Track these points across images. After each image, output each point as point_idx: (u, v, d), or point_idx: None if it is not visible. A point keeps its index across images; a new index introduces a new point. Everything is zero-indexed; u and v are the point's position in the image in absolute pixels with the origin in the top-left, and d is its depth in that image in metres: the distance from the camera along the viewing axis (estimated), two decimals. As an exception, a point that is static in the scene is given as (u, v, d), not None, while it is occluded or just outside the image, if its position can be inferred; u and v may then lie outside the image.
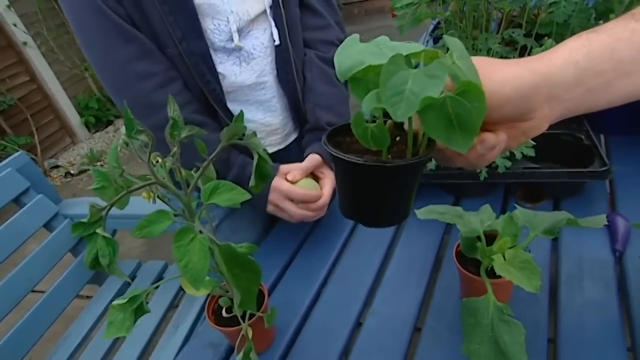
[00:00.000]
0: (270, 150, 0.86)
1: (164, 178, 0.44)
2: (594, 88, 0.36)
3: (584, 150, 0.74)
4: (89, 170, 3.22)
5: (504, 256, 0.46)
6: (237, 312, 0.51)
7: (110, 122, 3.79)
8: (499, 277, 0.48)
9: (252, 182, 0.49)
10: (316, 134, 0.82)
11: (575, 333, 0.54)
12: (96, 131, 3.72)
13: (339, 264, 0.74)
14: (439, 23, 1.17)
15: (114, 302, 0.47)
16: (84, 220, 0.39)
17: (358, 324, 0.63)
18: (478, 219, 0.49)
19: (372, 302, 0.66)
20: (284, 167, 0.75)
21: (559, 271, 0.63)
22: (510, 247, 0.47)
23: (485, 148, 0.36)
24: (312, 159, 0.77)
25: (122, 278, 0.40)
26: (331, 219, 0.84)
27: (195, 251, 0.38)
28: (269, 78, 0.78)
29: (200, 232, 0.40)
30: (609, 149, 0.84)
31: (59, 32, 3.34)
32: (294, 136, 0.89)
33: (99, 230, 0.39)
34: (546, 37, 0.80)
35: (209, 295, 0.58)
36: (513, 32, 0.88)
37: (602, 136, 0.87)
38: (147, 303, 0.48)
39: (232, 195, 0.42)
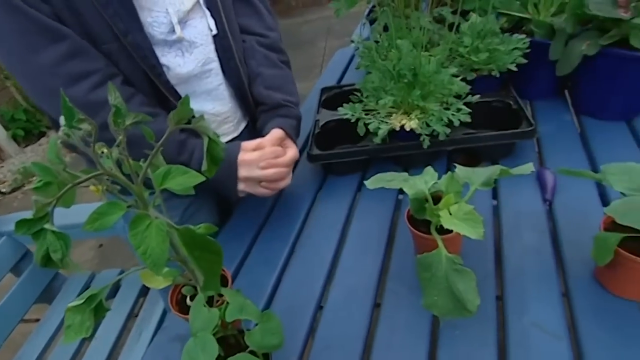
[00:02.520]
0: (224, 139, 0.86)
1: (111, 169, 0.43)
2: None
3: (513, 114, 0.80)
4: (23, 186, 2.99)
5: (449, 212, 0.50)
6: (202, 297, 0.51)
7: (42, 134, 3.52)
8: (448, 232, 0.52)
9: (204, 166, 0.49)
10: (273, 112, 0.83)
11: (518, 280, 0.59)
12: (27, 145, 3.44)
13: (299, 243, 0.76)
14: (374, 6, 1.21)
15: (69, 305, 0.45)
16: (28, 217, 0.37)
17: (321, 302, 0.65)
18: (423, 180, 0.52)
19: (334, 276, 0.68)
20: (246, 143, 0.76)
21: (500, 224, 0.68)
22: (455, 203, 0.51)
23: None
24: (275, 132, 0.78)
25: (77, 270, 0.39)
26: (287, 200, 0.86)
27: (152, 236, 0.38)
28: (214, 65, 0.78)
29: (156, 217, 0.40)
30: (534, 112, 0.92)
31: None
32: (244, 124, 0.89)
33: (47, 226, 0.37)
34: (471, 12, 0.86)
35: (171, 287, 0.57)
36: (442, 10, 0.93)
37: (527, 101, 0.95)
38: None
39: (185, 179, 0.42)
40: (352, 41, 0.97)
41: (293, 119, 0.83)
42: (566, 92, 0.94)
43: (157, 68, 0.69)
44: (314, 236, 0.76)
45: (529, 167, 0.50)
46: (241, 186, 0.75)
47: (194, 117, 0.50)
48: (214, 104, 0.80)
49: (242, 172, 0.74)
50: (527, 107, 0.94)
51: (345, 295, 0.64)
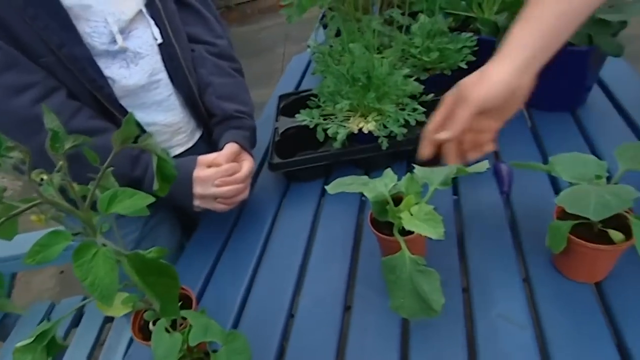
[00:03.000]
0: (179, 150, 0.84)
1: (53, 197, 0.40)
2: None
3: (467, 110, 0.82)
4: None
5: (410, 213, 0.50)
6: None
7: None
8: (411, 233, 0.53)
9: (155, 185, 0.47)
10: (226, 124, 0.81)
11: (481, 273, 0.60)
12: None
13: (266, 253, 0.74)
14: (327, 11, 1.21)
15: (16, 345, 0.42)
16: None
17: (291, 311, 0.64)
18: (382, 183, 0.52)
19: (304, 283, 0.67)
20: (202, 158, 0.74)
21: (462, 218, 0.70)
22: (415, 204, 0.51)
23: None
24: (230, 147, 0.76)
25: (17, 312, 0.36)
26: (252, 211, 0.84)
27: (100, 266, 0.36)
28: (162, 76, 0.75)
29: (104, 245, 0.38)
30: (487, 107, 0.95)
31: None
32: (198, 134, 0.87)
33: (-20, 265, 0.34)
34: (419, 14, 0.88)
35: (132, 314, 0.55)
36: (392, 12, 0.95)
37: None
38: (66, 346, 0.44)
39: (133, 202, 0.40)
40: (309, 46, 0.97)
41: (246, 130, 0.81)
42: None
43: (98, 81, 0.66)
44: (281, 245, 0.75)
45: (484, 165, 0.51)
46: (197, 202, 0.73)
47: (144, 131, 0.48)
48: (165, 115, 0.78)
49: (197, 189, 0.72)
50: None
51: (315, 302, 0.63)
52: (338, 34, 0.96)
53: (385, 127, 0.73)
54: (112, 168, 0.43)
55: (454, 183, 0.77)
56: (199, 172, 0.72)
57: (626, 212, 0.48)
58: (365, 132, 0.74)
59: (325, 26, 1.15)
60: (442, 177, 0.52)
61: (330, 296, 0.63)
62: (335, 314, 0.61)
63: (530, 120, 0.89)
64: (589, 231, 0.50)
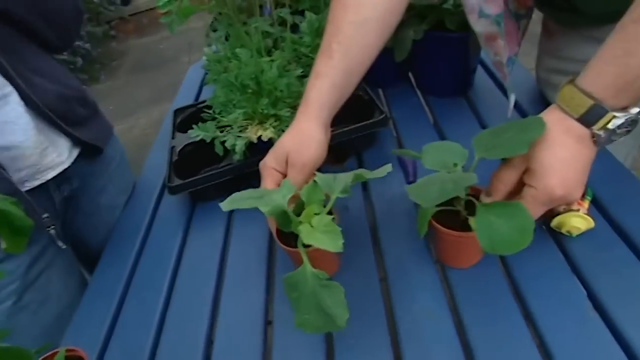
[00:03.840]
0: (51, 173, 0.74)
1: None
2: None
3: (366, 105, 0.82)
4: None
5: (311, 225, 0.47)
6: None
7: None
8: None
9: (3, 244, 0.39)
10: None
11: (399, 270, 0.60)
12: None
13: (177, 286, 0.68)
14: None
15: None
16: None
17: (210, 341, 0.59)
18: (280, 195, 0.49)
19: (220, 310, 0.62)
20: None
21: (375, 214, 0.69)
22: (316, 214, 0.49)
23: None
24: None
25: None
26: (155, 242, 0.77)
27: None
28: (8, 90, 0.65)
29: None
30: (387, 99, 0.96)
31: None
32: (76, 151, 0.78)
33: None
34: (306, 10, 0.86)
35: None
36: (281, 12, 0.92)
37: (379, 90, 0.98)
38: None
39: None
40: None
41: None
42: (411, 75, 1.01)
43: None
44: (191, 276, 0.69)
45: (385, 169, 0.50)
46: None
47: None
48: (23, 136, 0.67)
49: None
50: (380, 95, 0.98)
51: (234, 328, 0.59)
52: (228, 39, 0.91)
53: (284, 132, 0.70)
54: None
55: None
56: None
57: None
58: (265, 140, 0.70)
59: (215, 30, 1.09)
60: (342, 185, 0.50)
61: (249, 319, 0.59)
62: (256, 336, 0.57)
63: (428, 107, 0.92)
64: (456, 218, 0.51)
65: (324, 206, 0.50)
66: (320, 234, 0.44)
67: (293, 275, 0.44)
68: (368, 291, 0.58)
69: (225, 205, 0.49)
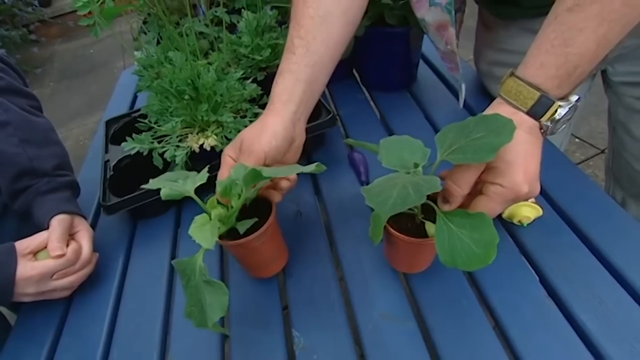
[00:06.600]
0: None
1: None
2: None
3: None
4: None
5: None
6: None
7: None
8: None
9: None
10: (36, 189, 0.65)
11: (358, 273, 0.58)
12: None
13: (120, 316, 0.61)
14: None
15: None
16: None
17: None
18: (192, 180, 0.49)
19: (170, 339, 0.57)
20: (21, 245, 0.58)
21: (328, 217, 0.67)
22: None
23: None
24: (58, 222, 0.61)
25: None
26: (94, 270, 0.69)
27: None
28: None
29: None
30: (334, 97, 0.95)
31: None
32: None
33: None
34: (243, 9, 0.82)
35: None
36: (216, 11, 0.87)
37: (325, 89, 0.96)
38: None
39: None
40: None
41: (67, 189, 0.67)
42: (355, 72, 1.00)
43: None
44: (137, 299, 0.63)
45: (315, 166, 0.47)
46: (28, 299, 0.59)
47: None
48: None
49: (29, 289, 0.57)
50: (325, 94, 0.96)
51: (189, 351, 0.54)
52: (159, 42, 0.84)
53: (227, 139, 0.66)
54: None
55: (314, 179, 0.74)
56: (26, 271, 0.56)
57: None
58: (208, 148, 0.66)
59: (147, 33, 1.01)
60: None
61: (204, 342, 0.55)
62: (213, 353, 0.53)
63: (374, 103, 0.91)
64: (411, 221, 0.48)
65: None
66: (198, 226, 0.43)
67: (184, 262, 0.43)
68: (332, 303, 0.56)
69: (150, 185, 0.49)
